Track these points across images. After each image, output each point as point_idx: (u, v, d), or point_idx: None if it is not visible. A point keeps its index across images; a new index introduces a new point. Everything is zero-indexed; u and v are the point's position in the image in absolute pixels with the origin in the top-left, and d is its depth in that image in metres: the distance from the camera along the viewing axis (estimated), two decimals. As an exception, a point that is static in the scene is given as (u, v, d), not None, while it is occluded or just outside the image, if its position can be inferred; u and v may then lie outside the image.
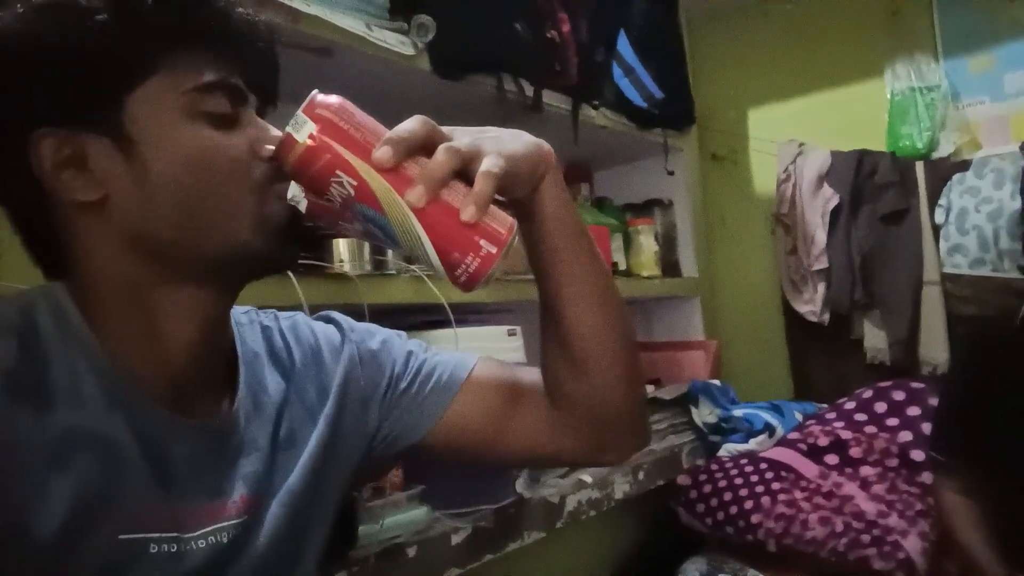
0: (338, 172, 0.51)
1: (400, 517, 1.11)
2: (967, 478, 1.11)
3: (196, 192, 0.54)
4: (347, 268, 1.10)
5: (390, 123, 0.55)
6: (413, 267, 1.20)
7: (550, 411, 0.71)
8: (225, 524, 0.57)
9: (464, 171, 0.54)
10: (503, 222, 0.54)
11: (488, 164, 0.54)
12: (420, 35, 1.29)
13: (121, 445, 0.52)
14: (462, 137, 0.56)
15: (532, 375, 0.74)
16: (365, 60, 1.23)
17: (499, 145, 0.56)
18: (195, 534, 0.55)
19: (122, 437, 0.53)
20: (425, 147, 0.54)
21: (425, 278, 1.20)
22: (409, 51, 1.27)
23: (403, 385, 0.72)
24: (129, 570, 0.51)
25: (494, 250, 0.53)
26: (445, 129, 0.56)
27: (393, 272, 1.21)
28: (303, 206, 0.56)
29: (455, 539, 1.17)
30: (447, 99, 1.45)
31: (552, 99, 1.59)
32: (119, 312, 0.55)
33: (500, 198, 0.58)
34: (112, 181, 0.53)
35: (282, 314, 0.73)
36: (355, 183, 0.51)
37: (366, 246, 1.16)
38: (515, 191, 0.59)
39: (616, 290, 0.68)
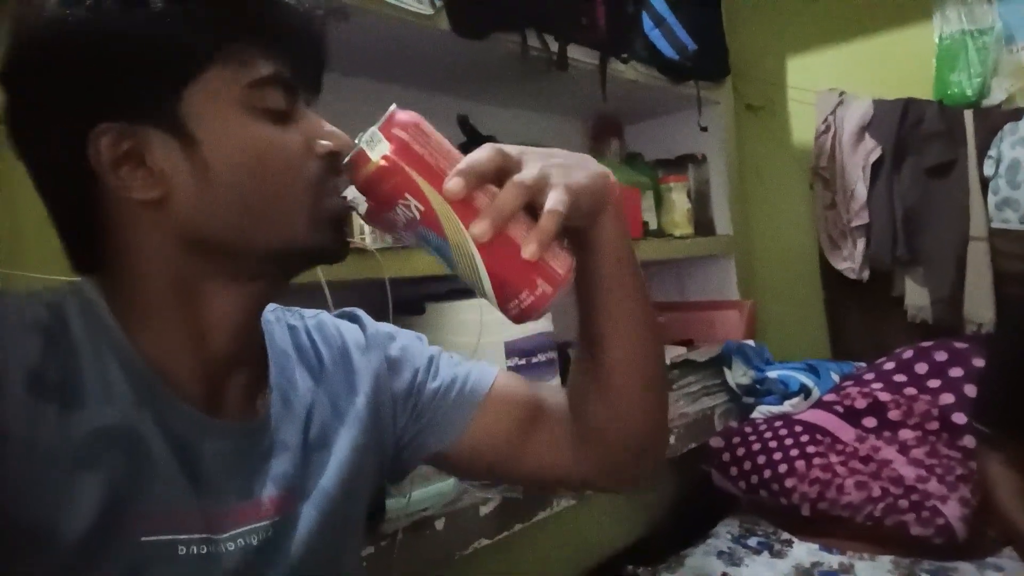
0: (407, 195, 0.52)
1: (428, 490, 1.11)
2: (1013, 450, 1.07)
3: (254, 192, 0.53)
4: (367, 242, 1.07)
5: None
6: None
7: (572, 433, 0.71)
8: (256, 525, 0.57)
9: (530, 202, 0.53)
10: (563, 262, 0.54)
11: (554, 200, 0.52)
12: (437, -9, 1.23)
13: (150, 443, 0.52)
14: (531, 166, 0.54)
15: (554, 394, 0.74)
16: (381, 21, 1.18)
17: (566, 176, 0.55)
18: (226, 535, 0.55)
19: (151, 435, 0.52)
20: (496, 178, 0.53)
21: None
22: (427, 10, 1.22)
23: (428, 391, 0.72)
24: (158, 571, 0.51)
25: (550, 290, 0.53)
26: (514, 151, 0.55)
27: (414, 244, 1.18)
28: (362, 209, 0.56)
29: (483, 510, 1.17)
30: (467, 59, 1.40)
31: (578, 54, 1.53)
32: (160, 309, 0.55)
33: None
34: (171, 178, 0.52)
35: (307, 312, 0.72)
36: (422, 208, 0.52)
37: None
38: (575, 222, 0.58)
39: (657, 323, 0.68)
